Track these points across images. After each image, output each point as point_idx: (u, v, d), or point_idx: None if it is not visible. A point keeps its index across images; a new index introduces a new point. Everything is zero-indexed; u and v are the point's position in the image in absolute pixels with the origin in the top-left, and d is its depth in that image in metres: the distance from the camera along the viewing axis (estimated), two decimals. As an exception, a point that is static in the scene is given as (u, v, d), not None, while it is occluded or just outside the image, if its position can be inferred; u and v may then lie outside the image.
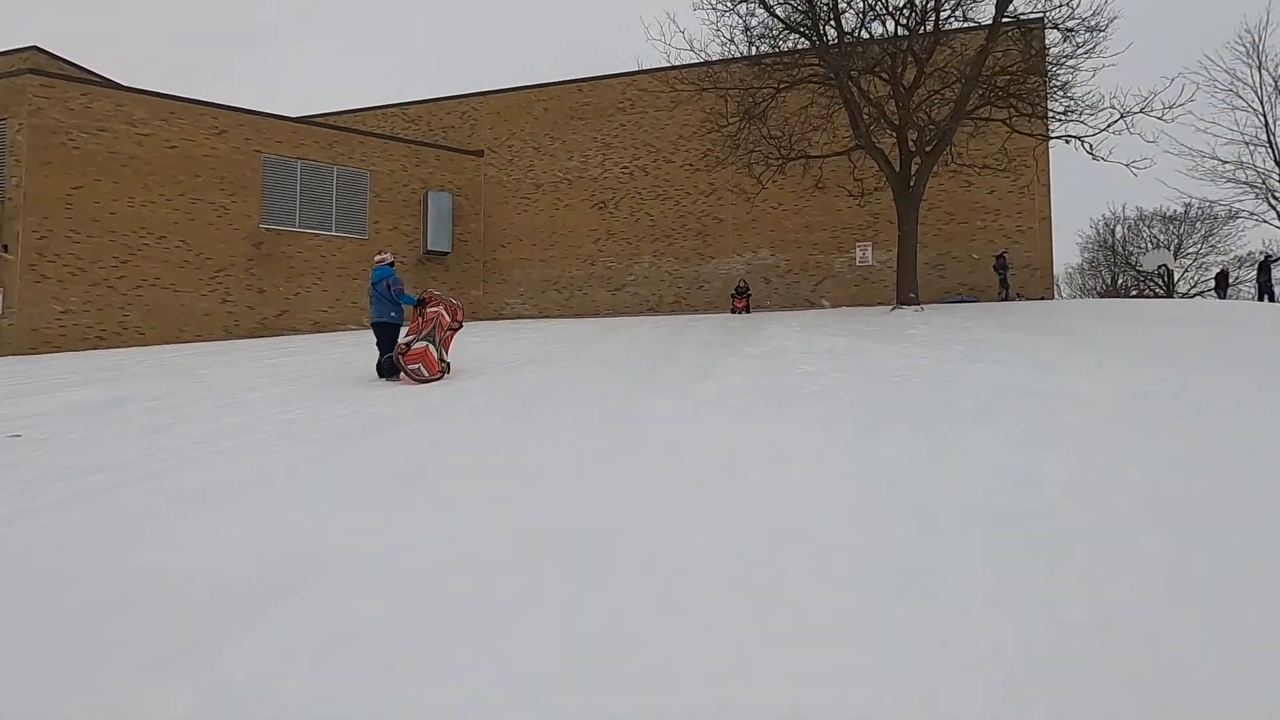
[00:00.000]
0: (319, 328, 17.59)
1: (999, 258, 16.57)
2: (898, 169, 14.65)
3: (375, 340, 8.27)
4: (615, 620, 2.44)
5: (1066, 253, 46.10)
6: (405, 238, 19.14)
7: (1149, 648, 2.09)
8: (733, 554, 2.91)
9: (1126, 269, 35.87)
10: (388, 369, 8.01)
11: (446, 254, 19.64)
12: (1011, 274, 16.64)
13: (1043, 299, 16.84)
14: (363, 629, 2.45)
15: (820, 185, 16.99)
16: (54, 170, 14.83)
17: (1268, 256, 21.24)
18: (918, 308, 13.91)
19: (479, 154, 20.78)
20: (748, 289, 17.88)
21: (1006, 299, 16.32)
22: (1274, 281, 20.43)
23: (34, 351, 14.18)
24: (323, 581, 2.83)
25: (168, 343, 15.44)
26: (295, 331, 17.20)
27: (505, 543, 3.15)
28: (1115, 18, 13.38)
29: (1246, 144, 23.63)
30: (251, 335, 16.61)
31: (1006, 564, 2.68)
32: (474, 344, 11.69)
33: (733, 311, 17.47)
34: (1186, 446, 3.96)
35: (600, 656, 2.22)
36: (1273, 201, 23.32)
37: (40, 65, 17.32)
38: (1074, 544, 2.80)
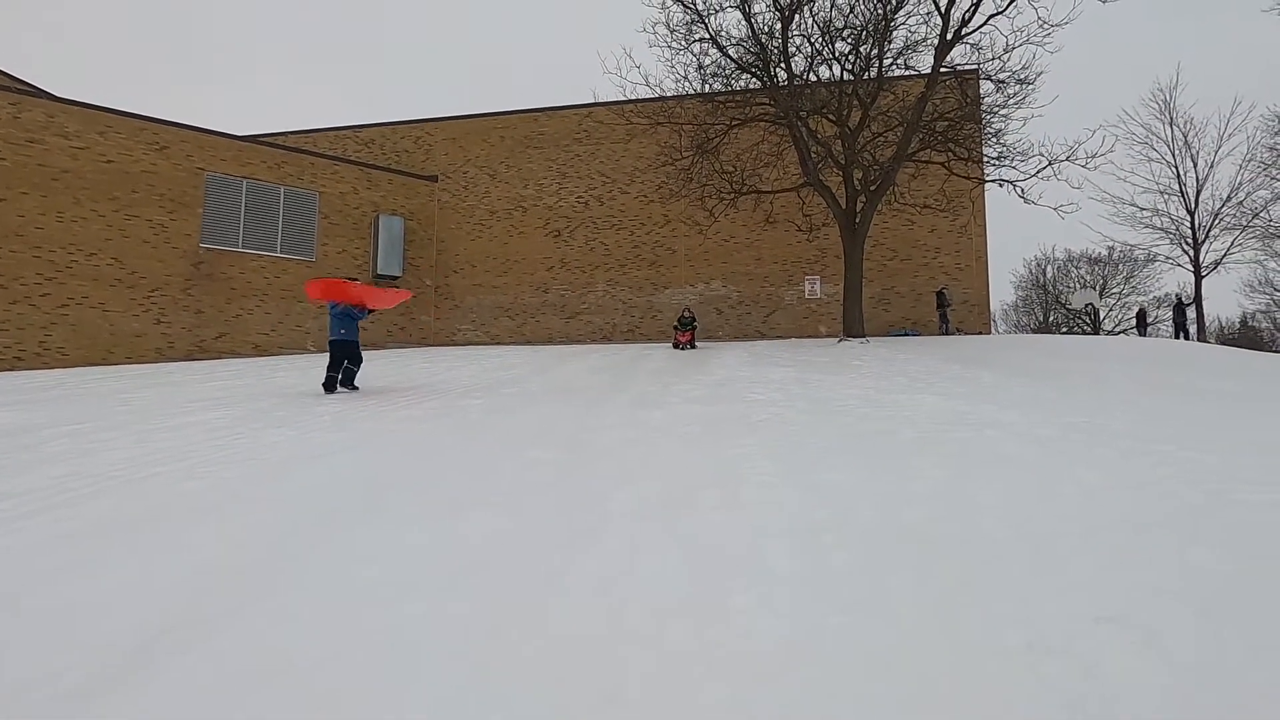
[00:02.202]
0: (260, 351, 16.98)
1: (939, 294, 17.25)
2: (844, 206, 15.20)
3: (329, 358, 8.88)
4: (561, 646, 2.38)
5: (1002, 290, 48.41)
6: (355, 261, 18.75)
7: (1081, 669, 2.16)
8: (679, 580, 2.89)
9: (1057, 307, 37.82)
10: (347, 381, 8.88)
11: (397, 278, 19.32)
12: (951, 310, 17.33)
13: (980, 334, 17.57)
14: (294, 664, 2.33)
15: (771, 220, 17.48)
16: (-25, 181, 14.05)
17: (1180, 299, 22.76)
18: (863, 340, 14.32)
19: (433, 179, 20.64)
20: (693, 319, 15.48)
21: (947, 333, 16.96)
22: (1188, 321, 21.89)
23: (-58, 372, 13.24)
24: (251, 614, 2.69)
25: (95, 364, 14.64)
26: (234, 355, 16.55)
27: (449, 569, 3.06)
28: (1042, 73, 14.37)
29: (1161, 193, 25.46)
30: (187, 358, 15.90)
31: (946, 589, 2.74)
32: (424, 369, 11.44)
33: (675, 346, 14.92)
34: (1114, 474, 4.15)
35: (545, 682, 2.16)
36: (1185, 247, 25.07)
37: (-34, 72, 16.51)
38: (1009, 568, 2.89)
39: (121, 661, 2.32)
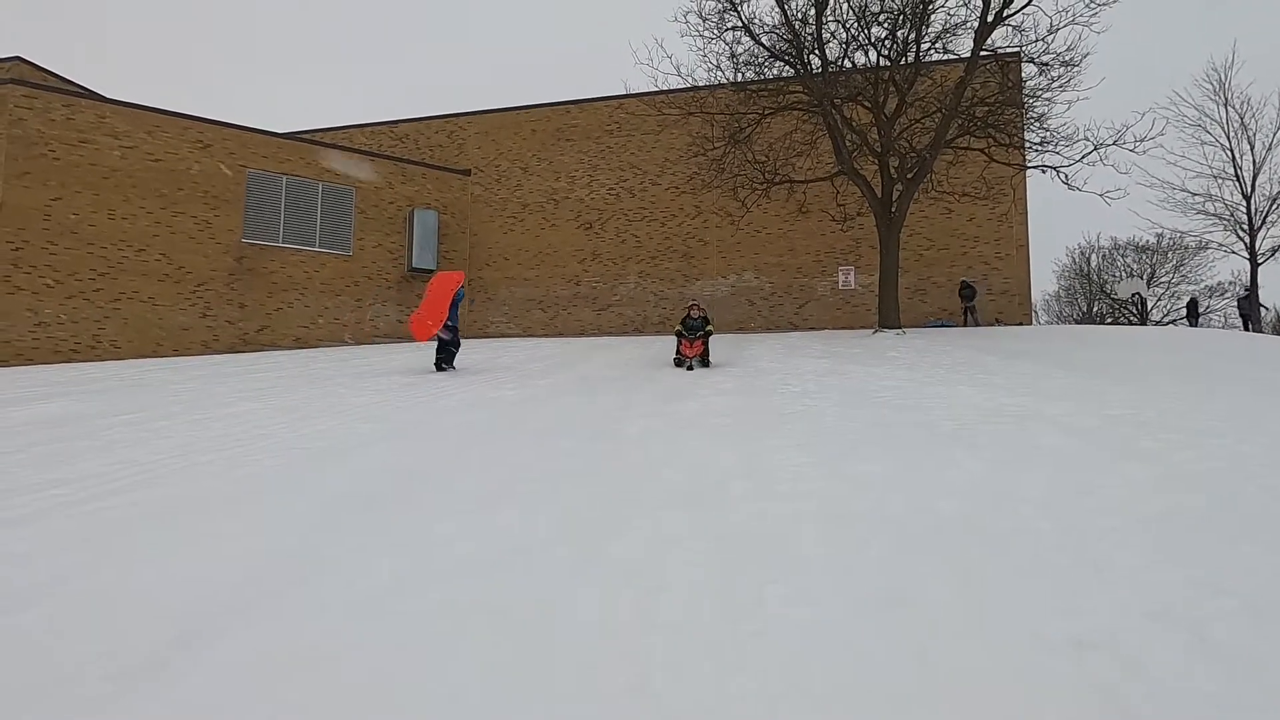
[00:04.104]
0: (300, 344, 17.41)
1: (965, 285, 16.75)
2: (879, 195, 14.91)
3: (438, 342, 10.47)
4: (592, 635, 2.40)
5: (1044, 280, 47.02)
6: (390, 255, 19.07)
7: (1124, 664, 2.10)
8: (711, 570, 2.89)
9: (1101, 297, 36.60)
10: (447, 363, 10.42)
11: (432, 271, 19.57)
12: (978, 302, 16.82)
13: (1020, 324, 17.10)
14: (326, 654, 2.39)
15: (804, 209, 17.24)
16: (33, 181, 14.65)
17: (1246, 289, 21.76)
18: (899, 331, 14.07)
19: (466, 173, 20.85)
20: (705, 320, 10.04)
21: (970, 325, 16.47)
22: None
23: (4, 364, 13.87)
24: (287, 603, 2.77)
25: (145, 357, 15.18)
26: (276, 347, 17.00)
27: (481, 557, 3.10)
28: (1088, 54, 13.83)
29: (1215, 178, 24.39)
30: (231, 350, 16.39)
31: (984, 581, 2.68)
32: (458, 361, 11.59)
33: (678, 363, 9.95)
34: (1159, 468, 4.01)
35: (576, 671, 2.19)
36: (1240, 233, 24.01)
37: (23, 75, 17.20)
38: (1051, 562, 2.82)
39: (164, 648, 2.39)
